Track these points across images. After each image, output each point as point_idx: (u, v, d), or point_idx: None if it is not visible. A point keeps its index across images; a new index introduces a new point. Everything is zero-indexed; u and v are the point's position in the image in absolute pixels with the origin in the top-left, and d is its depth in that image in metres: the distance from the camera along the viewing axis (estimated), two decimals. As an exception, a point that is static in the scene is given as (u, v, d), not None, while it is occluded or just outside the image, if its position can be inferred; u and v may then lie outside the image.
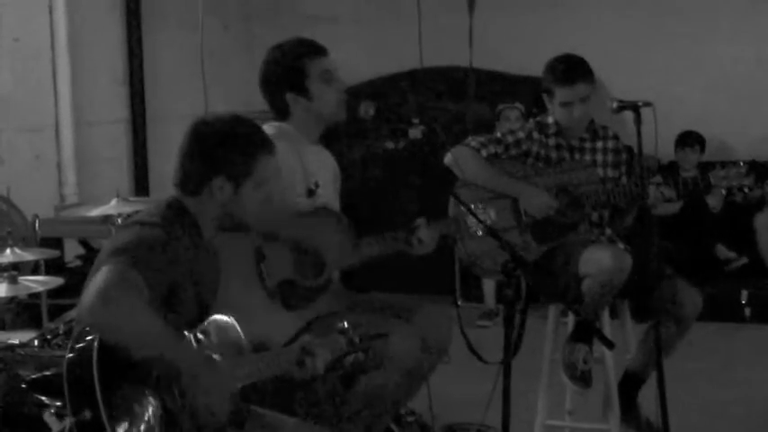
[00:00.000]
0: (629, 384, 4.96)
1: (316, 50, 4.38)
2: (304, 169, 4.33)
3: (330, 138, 4.55)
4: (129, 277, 2.99)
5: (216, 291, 3.49)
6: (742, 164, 4.74)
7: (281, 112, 4.39)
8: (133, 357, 2.96)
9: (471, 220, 4.33)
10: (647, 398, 4.88)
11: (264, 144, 3.48)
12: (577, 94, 4.87)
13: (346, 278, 4.38)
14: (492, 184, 4.93)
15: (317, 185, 4.37)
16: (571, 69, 4.89)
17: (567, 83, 4.87)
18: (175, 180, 3.44)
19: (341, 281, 4.35)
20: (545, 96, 4.99)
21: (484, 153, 4.94)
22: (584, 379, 4.76)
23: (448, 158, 4.97)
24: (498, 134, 5.08)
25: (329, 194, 4.47)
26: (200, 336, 3.23)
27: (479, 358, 3.95)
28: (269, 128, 4.27)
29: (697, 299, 4.81)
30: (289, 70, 4.33)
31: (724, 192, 4.78)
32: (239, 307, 3.47)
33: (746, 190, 4.72)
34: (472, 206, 4.25)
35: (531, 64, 5.67)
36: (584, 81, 4.88)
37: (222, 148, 3.39)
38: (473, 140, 5.00)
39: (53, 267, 6.53)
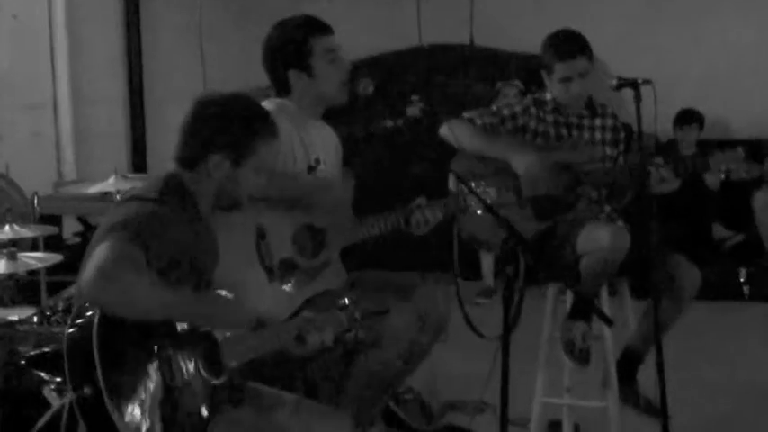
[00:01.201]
0: (629, 361, 4.96)
1: (321, 28, 4.37)
2: (304, 146, 4.33)
3: (328, 115, 4.54)
4: (128, 252, 2.99)
5: (213, 267, 3.49)
6: (740, 148, 4.73)
7: (283, 89, 4.38)
8: (137, 328, 2.98)
9: (470, 197, 4.32)
10: (645, 376, 4.88)
11: (267, 127, 3.48)
12: (577, 69, 4.85)
13: (345, 255, 4.38)
14: (483, 148, 4.87)
15: (317, 162, 4.36)
16: (570, 44, 4.86)
17: (566, 58, 4.84)
18: (175, 154, 3.45)
19: (340, 258, 4.34)
20: (543, 73, 4.96)
21: (479, 123, 4.91)
22: (582, 356, 4.75)
23: (443, 130, 4.94)
24: (494, 107, 5.05)
25: (331, 171, 4.46)
26: None
27: (478, 334, 3.95)
28: (269, 104, 4.27)
29: (696, 275, 4.81)
30: (293, 47, 4.32)
31: (723, 176, 4.77)
32: (238, 284, 3.48)
33: (744, 174, 4.71)
34: (472, 184, 4.24)
35: (530, 42, 5.65)
36: (584, 56, 4.85)
37: (224, 125, 3.39)
38: (467, 113, 4.98)
39: (52, 244, 6.53)
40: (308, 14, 4.45)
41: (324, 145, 4.46)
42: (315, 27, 4.38)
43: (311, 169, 4.34)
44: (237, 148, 3.39)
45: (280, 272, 4.09)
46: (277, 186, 4.05)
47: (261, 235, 4.05)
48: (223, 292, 3.37)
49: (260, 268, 4.04)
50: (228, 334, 3.27)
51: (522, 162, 4.82)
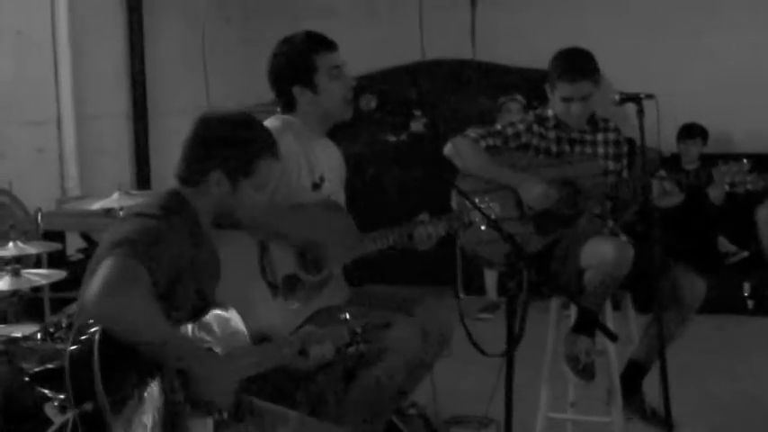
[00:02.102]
0: (633, 372, 4.94)
1: (326, 45, 4.38)
2: (309, 163, 4.33)
3: (332, 130, 4.55)
4: (131, 269, 2.98)
5: (216, 283, 3.49)
6: (745, 161, 4.73)
7: (288, 105, 4.39)
8: (135, 349, 2.96)
9: (474, 213, 4.32)
10: (649, 389, 4.88)
11: (269, 147, 3.47)
12: (579, 91, 4.84)
13: (348, 271, 4.38)
14: (492, 175, 4.91)
15: (321, 179, 4.37)
16: (576, 66, 4.85)
17: (569, 79, 4.83)
18: (176, 170, 3.45)
19: (343, 274, 4.34)
20: (547, 87, 4.97)
21: (483, 144, 4.93)
22: (586, 371, 4.75)
23: (448, 149, 4.96)
24: (498, 126, 5.06)
25: (335, 188, 4.47)
26: (199, 332, 3.24)
27: (480, 351, 3.95)
28: (275, 120, 4.28)
29: (700, 286, 4.80)
30: (298, 63, 4.34)
31: (727, 188, 4.76)
32: (241, 300, 3.48)
33: (749, 187, 4.71)
34: (476, 200, 4.25)
35: (533, 56, 5.67)
36: (588, 80, 4.84)
37: (223, 143, 3.39)
38: (472, 131, 4.99)
39: (55, 261, 6.52)
40: (313, 31, 4.46)
41: (328, 162, 4.47)
42: (320, 44, 4.39)
43: (316, 186, 4.34)
44: (237, 167, 3.38)
45: (283, 288, 4.08)
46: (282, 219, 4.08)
47: (263, 251, 4.05)
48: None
49: (263, 284, 4.04)
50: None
51: (531, 193, 4.83)
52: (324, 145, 4.49)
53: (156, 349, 3.00)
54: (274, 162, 3.49)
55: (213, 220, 3.46)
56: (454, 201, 4.90)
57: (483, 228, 4.33)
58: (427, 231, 4.34)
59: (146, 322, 2.96)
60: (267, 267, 4.05)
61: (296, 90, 4.34)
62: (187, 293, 3.26)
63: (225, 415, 3.18)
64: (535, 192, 4.85)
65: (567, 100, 4.87)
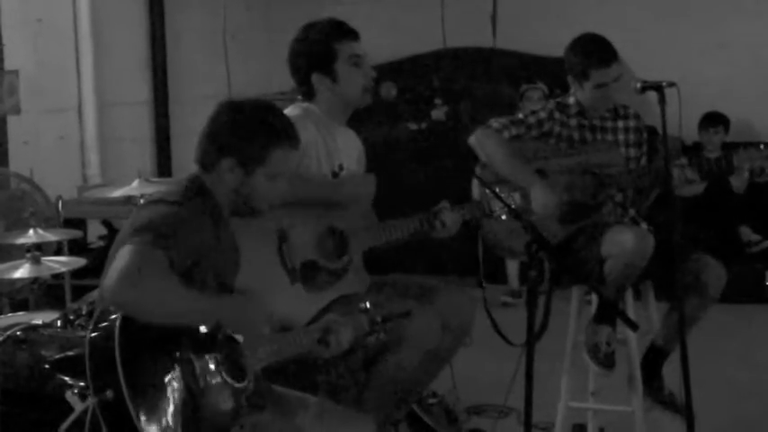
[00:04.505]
0: (654, 357, 4.93)
1: (347, 33, 4.37)
2: (328, 151, 4.32)
3: (352, 119, 4.54)
4: (151, 256, 2.99)
5: (236, 270, 3.49)
6: (762, 146, 4.71)
7: (307, 92, 4.39)
8: (159, 333, 2.98)
9: (495, 202, 4.31)
10: (669, 376, 4.87)
11: (286, 136, 3.44)
12: (614, 74, 4.83)
13: (368, 259, 4.37)
14: (508, 171, 4.87)
15: (341, 168, 4.36)
16: (605, 51, 4.84)
17: (605, 64, 4.81)
18: (195, 155, 3.45)
19: (363, 262, 4.34)
20: (572, 78, 4.93)
21: (506, 135, 4.90)
22: (607, 360, 4.74)
23: (472, 140, 4.95)
24: (520, 115, 5.04)
25: (353, 176, 4.47)
26: None
27: (505, 340, 3.93)
28: (295, 108, 4.27)
29: (721, 272, 4.78)
30: (318, 50, 4.33)
31: (747, 174, 4.75)
32: (260, 287, 3.47)
33: (770, 171, 4.70)
34: (497, 188, 4.23)
35: (555, 44, 5.63)
36: (617, 61, 4.85)
37: (236, 130, 3.39)
38: (495, 122, 4.97)
39: (76, 248, 6.54)
40: (335, 18, 4.45)
41: (347, 151, 4.46)
42: (341, 32, 4.37)
43: (335, 175, 4.34)
44: (248, 155, 3.37)
45: (302, 274, 4.08)
46: (303, 190, 4.06)
47: (282, 237, 4.05)
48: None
49: (282, 271, 4.03)
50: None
51: (535, 200, 4.79)
52: (343, 133, 4.48)
53: (192, 321, 3.07)
54: (290, 152, 3.47)
55: (232, 208, 3.46)
56: (475, 190, 4.89)
57: (503, 217, 4.32)
58: (448, 219, 4.33)
59: (171, 303, 2.98)
60: (286, 254, 4.04)
61: (315, 77, 4.33)
62: (208, 280, 3.27)
63: (249, 384, 3.20)
64: (541, 201, 4.78)
65: (603, 85, 4.85)
